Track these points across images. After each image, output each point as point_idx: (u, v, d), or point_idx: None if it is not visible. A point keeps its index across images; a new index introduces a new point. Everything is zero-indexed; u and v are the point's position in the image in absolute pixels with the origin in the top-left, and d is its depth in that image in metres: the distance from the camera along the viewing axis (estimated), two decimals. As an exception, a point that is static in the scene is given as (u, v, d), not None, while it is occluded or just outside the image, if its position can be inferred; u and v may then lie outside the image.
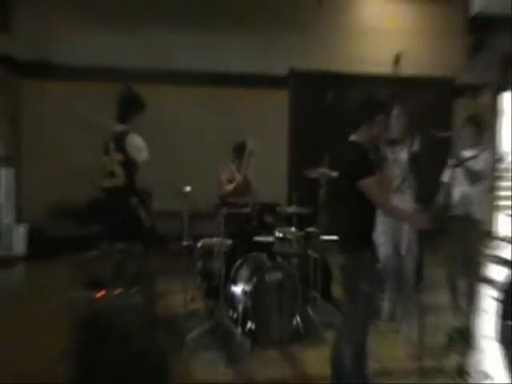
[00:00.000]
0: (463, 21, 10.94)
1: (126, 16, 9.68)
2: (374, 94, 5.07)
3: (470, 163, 6.22)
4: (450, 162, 6.29)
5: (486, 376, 5.49)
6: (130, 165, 5.44)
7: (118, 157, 5.47)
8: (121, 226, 5.59)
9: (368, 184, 4.64)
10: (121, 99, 5.66)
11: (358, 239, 4.81)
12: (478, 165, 6.27)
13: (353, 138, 4.94)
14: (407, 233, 6.37)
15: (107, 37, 9.69)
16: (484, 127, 6.62)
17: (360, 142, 4.90)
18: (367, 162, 4.81)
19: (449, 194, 6.23)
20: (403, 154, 6.26)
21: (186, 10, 9.86)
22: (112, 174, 5.54)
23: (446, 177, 6.30)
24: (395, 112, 6.07)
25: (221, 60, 10.08)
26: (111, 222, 5.72)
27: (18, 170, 9.51)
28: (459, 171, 6.27)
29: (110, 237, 5.64)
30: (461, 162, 5.84)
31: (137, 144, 5.45)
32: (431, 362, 5.45)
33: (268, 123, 10.20)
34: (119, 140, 5.50)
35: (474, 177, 6.22)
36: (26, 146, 9.42)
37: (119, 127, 5.59)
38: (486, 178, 6.44)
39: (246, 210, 6.72)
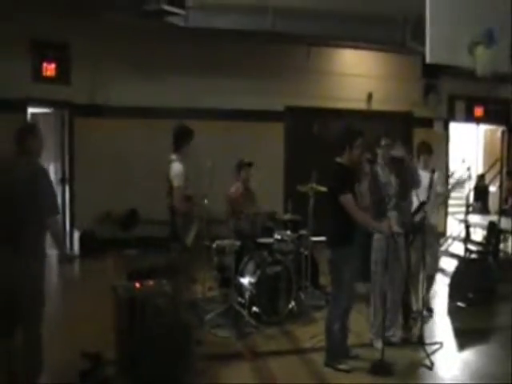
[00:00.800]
0: (420, 68, 10.94)
1: (157, 67, 9.68)
2: (352, 124, 5.09)
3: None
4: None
5: (441, 345, 5.47)
6: (171, 188, 5.34)
7: (168, 181, 5.38)
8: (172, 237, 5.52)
9: (345, 199, 4.69)
10: (173, 133, 5.51)
11: (341, 239, 4.87)
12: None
13: (338, 160, 4.95)
14: None
15: (144, 83, 9.67)
16: (433, 152, 6.62)
17: (343, 163, 4.91)
18: (346, 179, 4.84)
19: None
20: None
21: (206, 62, 9.87)
22: (167, 195, 5.45)
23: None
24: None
25: (231, 100, 10.06)
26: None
27: (71, 187, 9.56)
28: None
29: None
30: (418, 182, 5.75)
31: (175, 171, 5.32)
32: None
33: (268, 149, 10.18)
34: (168, 167, 5.41)
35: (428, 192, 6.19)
36: (79, 169, 9.41)
37: (172, 156, 5.47)
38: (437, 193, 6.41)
39: (251, 217, 6.67)
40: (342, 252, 4.86)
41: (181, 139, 5.46)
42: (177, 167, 5.34)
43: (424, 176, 6.08)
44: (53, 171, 9.61)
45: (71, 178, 9.54)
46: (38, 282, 4.02)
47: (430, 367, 4.93)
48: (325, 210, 4.95)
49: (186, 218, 5.32)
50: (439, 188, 6.61)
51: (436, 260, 6.71)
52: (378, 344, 5.05)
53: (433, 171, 6.12)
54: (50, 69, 9.05)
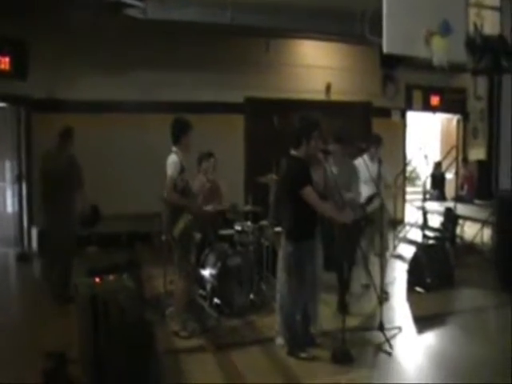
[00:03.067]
0: (378, 59, 10.99)
1: (116, 61, 9.49)
2: (309, 115, 5.02)
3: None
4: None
5: (400, 329, 5.52)
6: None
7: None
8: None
9: (306, 192, 4.64)
10: (171, 126, 5.38)
11: (304, 233, 4.86)
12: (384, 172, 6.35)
13: (293, 153, 4.89)
14: None
15: (101, 77, 9.47)
16: (381, 144, 6.75)
17: (299, 157, 4.85)
18: (305, 173, 4.79)
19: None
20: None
21: (166, 56, 9.74)
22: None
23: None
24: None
25: (191, 93, 9.95)
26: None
27: (29, 184, 9.26)
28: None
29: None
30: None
31: (169, 162, 5.20)
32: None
33: (228, 140, 10.14)
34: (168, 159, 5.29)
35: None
36: (35, 165, 9.15)
37: (172, 148, 5.33)
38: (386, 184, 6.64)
39: (212, 209, 6.61)
40: (306, 245, 4.83)
41: (178, 131, 5.34)
42: (172, 158, 5.23)
43: (371, 167, 6.19)
44: (9, 168, 9.39)
45: (28, 174, 9.24)
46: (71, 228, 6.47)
47: (390, 352, 4.96)
48: (283, 206, 4.93)
49: (174, 210, 5.20)
50: (388, 179, 6.71)
51: (385, 240, 6.76)
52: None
53: (379, 162, 6.23)
54: (3, 62, 8.78)
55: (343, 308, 5.70)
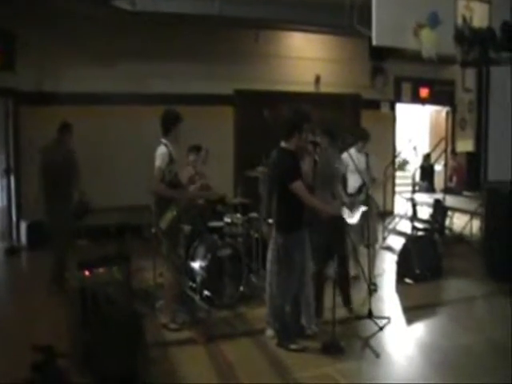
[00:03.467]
0: (367, 51, 11.00)
1: (105, 53, 9.43)
2: (300, 107, 5.02)
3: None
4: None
5: (388, 319, 5.54)
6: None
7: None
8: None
9: (297, 185, 4.68)
10: (161, 118, 5.35)
11: (293, 224, 4.88)
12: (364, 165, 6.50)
13: (283, 145, 4.90)
14: None
15: (90, 69, 9.40)
16: (368, 138, 6.74)
17: (289, 149, 4.86)
18: (295, 167, 4.80)
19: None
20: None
21: (154, 47, 9.69)
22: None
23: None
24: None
25: (180, 84, 9.91)
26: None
27: (17, 178, 9.20)
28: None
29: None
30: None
31: (157, 153, 5.17)
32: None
33: (218, 132, 10.12)
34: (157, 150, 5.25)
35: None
36: (24, 159, 9.07)
37: (161, 140, 5.30)
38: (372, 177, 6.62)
39: (202, 201, 6.61)
40: (295, 237, 4.85)
41: (167, 123, 5.31)
42: (161, 149, 5.19)
43: (359, 158, 6.37)
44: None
45: (17, 168, 9.18)
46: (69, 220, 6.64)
47: (378, 354, 4.98)
48: (273, 197, 4.92)
49: (162, 201, 5.17)
50: (374, 171, 6.74)
51: (375, 230, 6.82)
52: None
53: (366, 155, 6.31)
54: (-9, 54, 8.68)
55: (348, 302, 5.79)
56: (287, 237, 4.85)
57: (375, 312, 5.50)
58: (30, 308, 5.92)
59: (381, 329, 5.30)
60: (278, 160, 4.90)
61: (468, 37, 7.82)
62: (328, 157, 5.44)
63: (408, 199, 10.00)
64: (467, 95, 12.97)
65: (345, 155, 6.35)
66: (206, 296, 5.83)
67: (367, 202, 6.11)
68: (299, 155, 4.97)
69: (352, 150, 6.59)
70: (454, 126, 13.22)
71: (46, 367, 4.17)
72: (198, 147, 6.79)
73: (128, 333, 4.28)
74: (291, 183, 4.69)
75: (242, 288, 6.06)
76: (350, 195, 6.34)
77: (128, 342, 4.23)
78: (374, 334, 5.16)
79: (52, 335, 4.58)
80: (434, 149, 12.09)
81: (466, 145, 12.93)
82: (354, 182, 6.41)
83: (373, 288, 6.26)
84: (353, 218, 5.93)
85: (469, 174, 12.06)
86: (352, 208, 6.11)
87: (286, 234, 4.86)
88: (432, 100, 12.89)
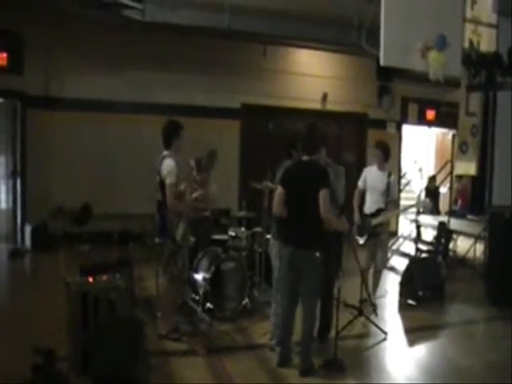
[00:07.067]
0: (374, 70, 11.15)
1: (112, 61, 9.60)
2: (315, 123, 5.06)
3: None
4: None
5: (386, 334, 5.69)
6: (163, 184, 5.20)
7: (157, 177, 5.25)
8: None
9: (324, 193, 4.56)
10: (162, 129, 5.36)
11: (324, 238, 4.72)
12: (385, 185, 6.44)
13: (313, 157, 4.85)
14: None
15: (97, 76, 9.57)
16: (388, 151, 6.67)
17: (318, 161, 4.91)
18: (327, 175, 4.77)
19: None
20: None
21: (162, 57, 9.85)
22: (156, 190, 5.33)
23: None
24: None
25: (187, 96, 10.08)
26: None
27: (23, 181, 9.33)
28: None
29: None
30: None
31: (167, 168, 5.15)
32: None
33: (224, 145, 10.15)
34: (160, 163, 5.25)
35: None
36: (31, 162, 9.20)
37: (164, 152, 5.32)
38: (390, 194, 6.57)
39: (207, 213, 6.69)
40: (325, 252, 4.72)
41: (170, 134, 5.32)
42: (169, 163, 5.19)
43: (380, 176, 6.41)
44: (3, 164, 9.43)
45: (23, 170, 9.32)
46: None
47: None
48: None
49: (175, 214, 5.23)
50: (395, 194, 6.73)
51: (386, 255, 6.91)
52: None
53: (389, 174, 6.37)
54: (1, 58, 8.86)
55: (327, 331, 5.36)
56: (321, 253, 4.66)
57: (375, 332, 5.60)
58: (31, 310, 5.98)
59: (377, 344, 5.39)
60: (314, 170, 4.78)
61: (475, 61, 7.98)
62: (336, 172, 5.51)
63: (412, 220, 10.10)
64: (470, 119, 13.11)
65: (367, 169, 6.43)
66: (209, 308, 5.88)
67: (381, 228, 6.12)
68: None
69: (373, 168, 6.61)
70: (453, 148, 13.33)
71: (46, 370, 4.25)
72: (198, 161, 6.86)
73: (128, 339, 4.36)
74: (323, 189, 4.57)
75: (244, 302, 6.13)
76: (365, 215, 6.45)
77: (128, 349, 4.30)
78: (373, 347, 5.27)
79: (53, 338, 4.60)
80: (439, 171, 12.22)
81: (465, 168, 13.05)
82: (370, 200, 6.47)
83: (372, 309, 6.35)
84: (361, 240, 6.01)
85: (474, 198, 12.15)
86: (362, 231, 6.20)
87: (321, 250, 4.66)
88: (438, 122, 13.02)
